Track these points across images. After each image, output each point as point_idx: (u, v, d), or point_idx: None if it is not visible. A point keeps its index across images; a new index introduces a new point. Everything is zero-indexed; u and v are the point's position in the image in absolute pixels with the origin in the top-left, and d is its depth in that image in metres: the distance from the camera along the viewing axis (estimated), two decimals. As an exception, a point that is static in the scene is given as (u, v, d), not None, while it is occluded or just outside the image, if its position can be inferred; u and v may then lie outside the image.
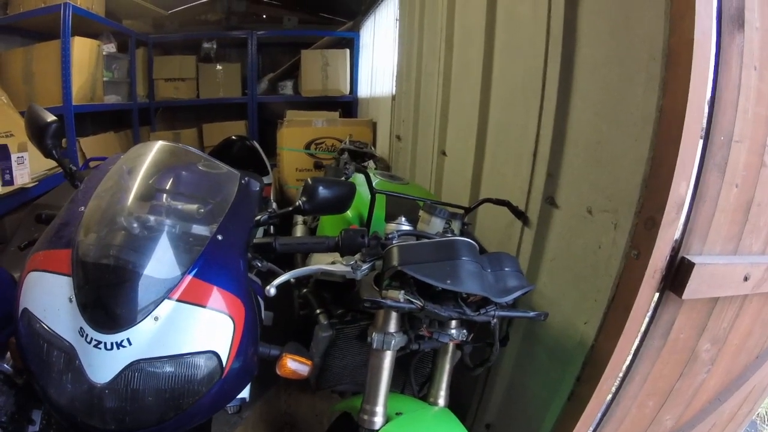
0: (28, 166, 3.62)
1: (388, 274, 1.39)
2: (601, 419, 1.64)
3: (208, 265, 1.26)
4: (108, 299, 1.16)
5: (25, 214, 3.77)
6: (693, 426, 1.87)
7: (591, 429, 1.65)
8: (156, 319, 1.15)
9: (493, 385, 2.12)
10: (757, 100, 1.38)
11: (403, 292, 1.36)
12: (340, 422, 1.85)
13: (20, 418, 1.45)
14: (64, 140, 4.49)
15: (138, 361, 1.12)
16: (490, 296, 1.35)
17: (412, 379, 1.79)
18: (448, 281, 1.31)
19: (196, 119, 7.46)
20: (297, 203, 1.50)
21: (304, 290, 2.18)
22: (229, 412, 1.48)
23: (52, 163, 3.93)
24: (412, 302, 1.34)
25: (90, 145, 5.18)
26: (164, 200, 1.45)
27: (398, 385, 1.81)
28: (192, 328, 1.18)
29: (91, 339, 1.11)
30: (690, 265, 1.31)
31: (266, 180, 3.25)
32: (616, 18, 1.48)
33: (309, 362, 1.43)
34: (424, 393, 1.70)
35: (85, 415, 1.12)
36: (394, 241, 1.49)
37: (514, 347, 1.95)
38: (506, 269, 1.45)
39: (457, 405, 1.63)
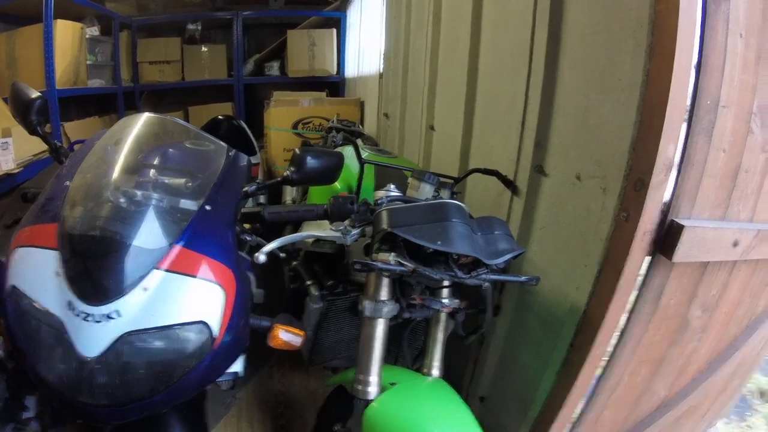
0: (13, 152, 3.59)
1: (378, 237, 1.39)
2: (594, 388, 1.64)
3: (197, 235, 1.25)
4: (96, 271, 1.15)
5: (10, 200, 3.72)
6: (685, 396, 1.88)
7: (585, 398, 1.65)
8: (145, 289, 1.14)
9: (486, 358, 2.12)
10: (743, 67, 1.37)
11: (393, 254, 1.36)
12: (334, 396, 1.86)
13: (14, 405, 1.43)
14: (48, 125, 4.43)
15: (128, 333, 1.11)
16: (481, 257, 1.34)
17: (406, 350, 1.80)
18: (439, 242, 1.31)
19: (181, 102, 7.34)
20: (285, 173, 1.49)
21: (294, 263, 2.17)
22: (223, 388, 1.45)
23: (37, 149, 3.96)
24: (403, 264, 1.34)
25: (74, 129, 5.12)
26: (151, 173, 1.43)
27: (391, 358, 1.81)
28: (182, 298, 1.18)
29: (80, 312, 1.10)
30: (679, 228, 1.31)
31: (254, 160, 3.23)
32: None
33: (301, 333, 1.42)
34: (417, 366, 1.70)
35: (75, 391, 1.11)
36: (383, 206, 1.48)
37: (506, 319, 1.96)
38: (496, 232, 1.45)
39: (449, 380, 1.62)
